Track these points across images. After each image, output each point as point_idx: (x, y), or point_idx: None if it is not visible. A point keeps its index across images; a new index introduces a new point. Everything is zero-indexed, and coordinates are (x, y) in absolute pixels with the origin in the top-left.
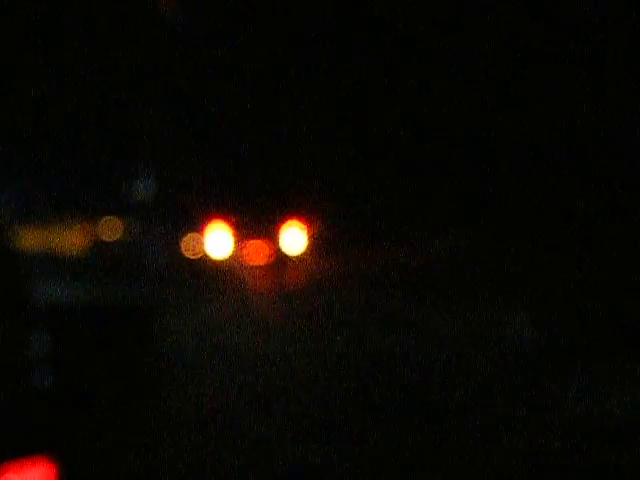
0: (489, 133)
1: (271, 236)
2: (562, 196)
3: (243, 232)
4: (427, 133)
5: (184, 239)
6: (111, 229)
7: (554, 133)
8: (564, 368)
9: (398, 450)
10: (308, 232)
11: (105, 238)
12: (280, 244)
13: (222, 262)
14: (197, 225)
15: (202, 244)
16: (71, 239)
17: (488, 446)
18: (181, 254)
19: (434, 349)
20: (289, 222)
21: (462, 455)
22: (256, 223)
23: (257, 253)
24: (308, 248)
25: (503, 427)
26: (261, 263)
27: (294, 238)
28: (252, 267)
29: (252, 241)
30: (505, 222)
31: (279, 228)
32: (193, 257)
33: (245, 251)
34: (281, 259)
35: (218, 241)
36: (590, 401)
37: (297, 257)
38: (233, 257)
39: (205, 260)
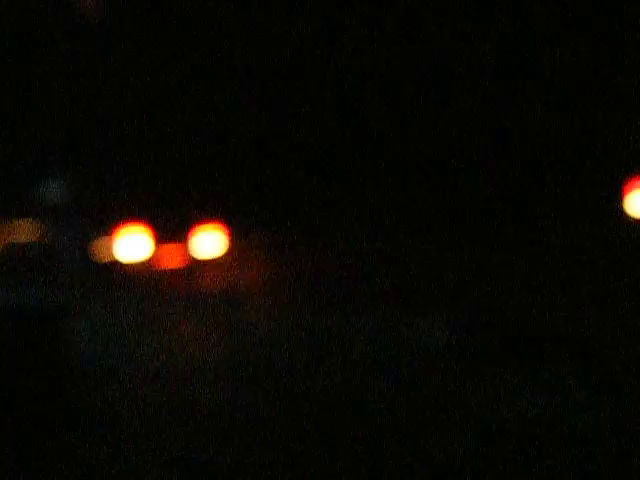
0: (413, 134)
1: (185, 240)
2: (477, 195)
3: (155, 236)
4: (351, 131)
5: (95, 242)
6: (23, 232)
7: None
8: (475, 370)
9: (314, 453)
10: (223, 236)
11: (17, 241)
12: (194, 248)
13: (133, 267)
14: (108, 228)
15: (113, 248)
16: None
17: (399, 447)
18: (92, 258)
19: (350, 351)
20: (204, 226)
21: (374, 456)
22: (169, 226)
23: (169, 257)
24: (223, 252)
25: (412, 428)
26: (173, 267)
27: (208, 242)
28: (164, 272)
29: (164, 245)
30: (420, 222)
31: (193, 232)
32: (104, 261)
33: (157, 255)
34: (194, 264)
35: (129, 245)
36: (500, 403)
37: (211, 262)
38: (145, 261)
39: (116, 264)
